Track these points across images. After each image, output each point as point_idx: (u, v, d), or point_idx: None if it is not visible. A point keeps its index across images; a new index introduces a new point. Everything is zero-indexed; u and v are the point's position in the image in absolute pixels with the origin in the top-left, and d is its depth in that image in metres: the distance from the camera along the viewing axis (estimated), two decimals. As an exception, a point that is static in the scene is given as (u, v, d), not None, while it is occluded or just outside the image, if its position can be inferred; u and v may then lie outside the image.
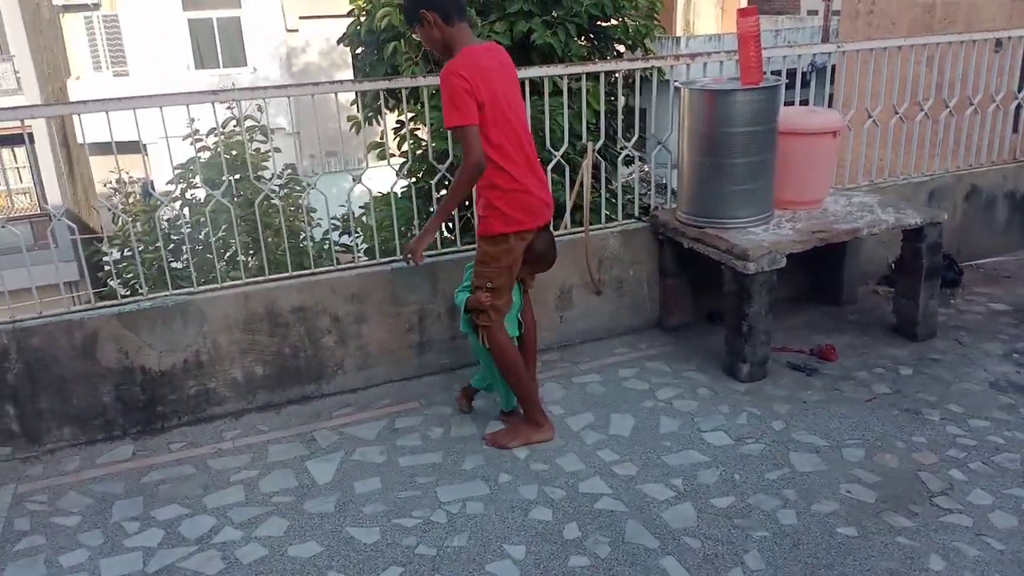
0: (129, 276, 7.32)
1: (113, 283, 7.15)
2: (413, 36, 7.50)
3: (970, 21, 10.87)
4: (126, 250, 8.09)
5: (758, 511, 2.85)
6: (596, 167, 4.18)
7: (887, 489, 2.95)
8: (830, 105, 5.46)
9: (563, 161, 4.15)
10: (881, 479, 3.01)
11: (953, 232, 4.82)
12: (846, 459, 3.14)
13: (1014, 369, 3.82)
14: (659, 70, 4.19)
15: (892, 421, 3.40)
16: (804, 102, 5.02)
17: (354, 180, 3.78)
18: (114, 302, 3.45)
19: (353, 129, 7.48)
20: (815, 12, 25.24)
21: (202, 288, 3.53)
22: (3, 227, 3.37)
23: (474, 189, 3.07)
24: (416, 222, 4.19)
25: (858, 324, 4.35)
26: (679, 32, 23.65)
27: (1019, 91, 5.25)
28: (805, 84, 4.72)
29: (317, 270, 3.73)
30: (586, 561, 2.64)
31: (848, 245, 4.35)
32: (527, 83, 4.03)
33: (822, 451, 3.20)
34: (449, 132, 3.55)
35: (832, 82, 5.49)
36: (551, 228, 3.33)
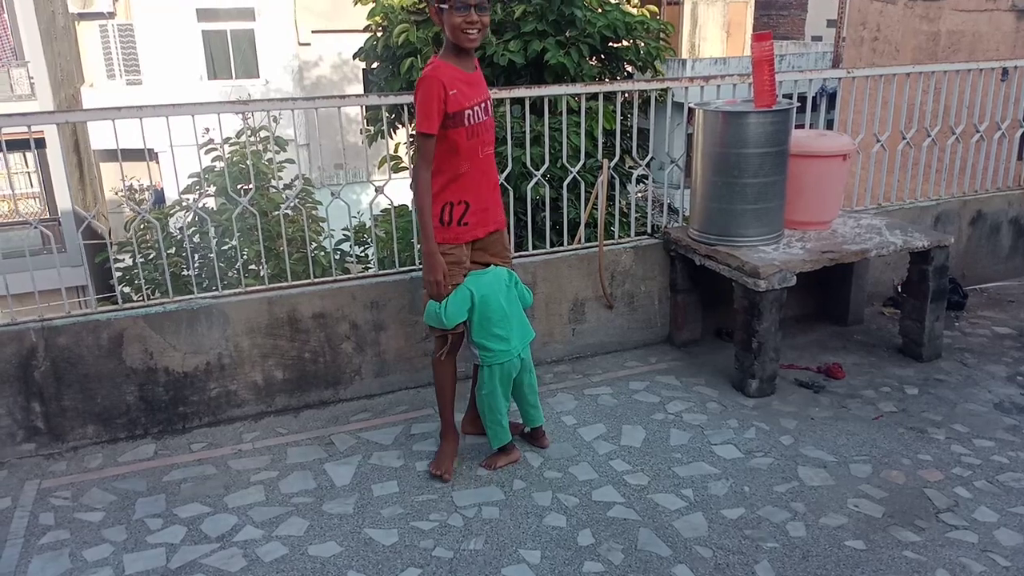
0: (139, 282, 7.41)
1: (128, 289, 7.22)
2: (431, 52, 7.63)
3: (973, 50, 11.04)
4: (138, 256, 8.18)
5: (768, 523, 2.92)
6: (610, 184, 4.26)
7: (894, 504, 3.02)
8: (830, 128, 5.56)
9: (578, 177, 4.25)
10: (888, 495, 3.07)
11: (958, 256, 4.91)
12: (853, 474, 3.21)
13: (1018, 391, 3.89)
14: (667, 91, 4.30)
15: (898, 439, 3.47)
16: (812, 126, 5.12)
17: (377, 191, 3.87)
18: (140, 303, 3.52)
19: (366, 141, 7.61)
20: (819, 38, 25.60)
21: (227, 292, 3.61)
22: (36, 228, 3.45)
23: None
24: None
25: (864, 344, 4.43)
26: (684, 55, 23.92)
27: (1024, 120, 5.37)
28: (814, 108, 4.82)
29: (339, 277, 3.81)
30: (600, 567, 2.69)
31: (855, 266, 4.43)
32: (544, 101, 4.14)
33: (830, 466, 3.27)
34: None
35: (837, 107, 5.60)
36: None
